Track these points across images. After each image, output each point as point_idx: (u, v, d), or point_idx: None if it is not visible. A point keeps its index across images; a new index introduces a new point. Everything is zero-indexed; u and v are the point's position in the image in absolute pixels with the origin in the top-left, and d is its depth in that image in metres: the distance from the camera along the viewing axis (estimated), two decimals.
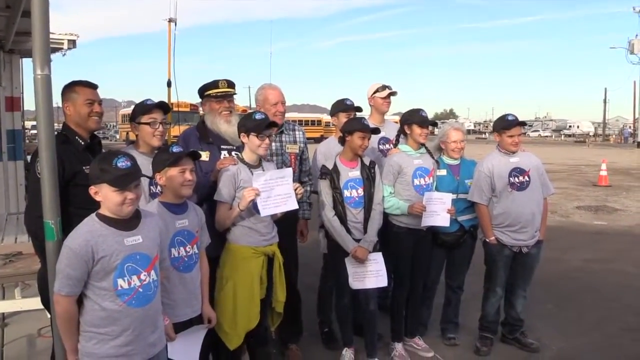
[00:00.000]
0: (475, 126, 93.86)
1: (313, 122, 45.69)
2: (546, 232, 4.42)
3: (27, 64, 8.62)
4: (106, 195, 2.39)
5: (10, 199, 7.93)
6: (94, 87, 3.12)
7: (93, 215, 2.43)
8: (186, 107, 24.97)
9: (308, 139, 4.71)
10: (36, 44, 2.44)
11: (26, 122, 11.75)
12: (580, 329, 4.91)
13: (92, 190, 2.41)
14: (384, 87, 4.72)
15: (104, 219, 2.41)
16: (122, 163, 2.39)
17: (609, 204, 12.53)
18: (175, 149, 2.89)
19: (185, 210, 2.94)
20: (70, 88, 3.07)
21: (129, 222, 2.46)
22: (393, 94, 4.74)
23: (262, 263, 3.37)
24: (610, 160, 19.73)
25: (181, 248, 2.89)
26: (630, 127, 60.62)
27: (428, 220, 4.07)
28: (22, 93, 8.46)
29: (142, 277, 2.45)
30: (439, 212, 4.07)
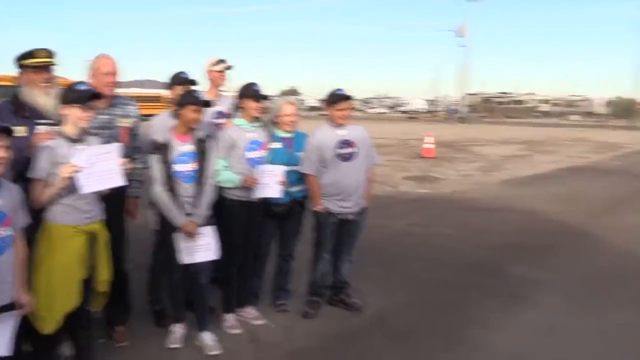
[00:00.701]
0: (319, 103, 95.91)
1: (153, 99, 43.53)
2: (376, 201, 4.74)
3: None
4: None
5: None
6: None
7: None
8: (8, 81, 22.32)
9: (147, 115, 4.52)
10: None
11: None
12: (402, 287, 5.38)
13: None
14: (219, 61, 4.74)
15: None
16: None
17: (432, 174, 13.81)
18: None
19: None
20: None
21: None
22: (229, 67, 4.78)
23: (83, 242, 3.21)
24: (438, 134, 21.46)
25: None
26: (456, 104, 66.31)
27: (260, 192, 4.19)
28: None
29: None
30: (270, 184, 4.21)
